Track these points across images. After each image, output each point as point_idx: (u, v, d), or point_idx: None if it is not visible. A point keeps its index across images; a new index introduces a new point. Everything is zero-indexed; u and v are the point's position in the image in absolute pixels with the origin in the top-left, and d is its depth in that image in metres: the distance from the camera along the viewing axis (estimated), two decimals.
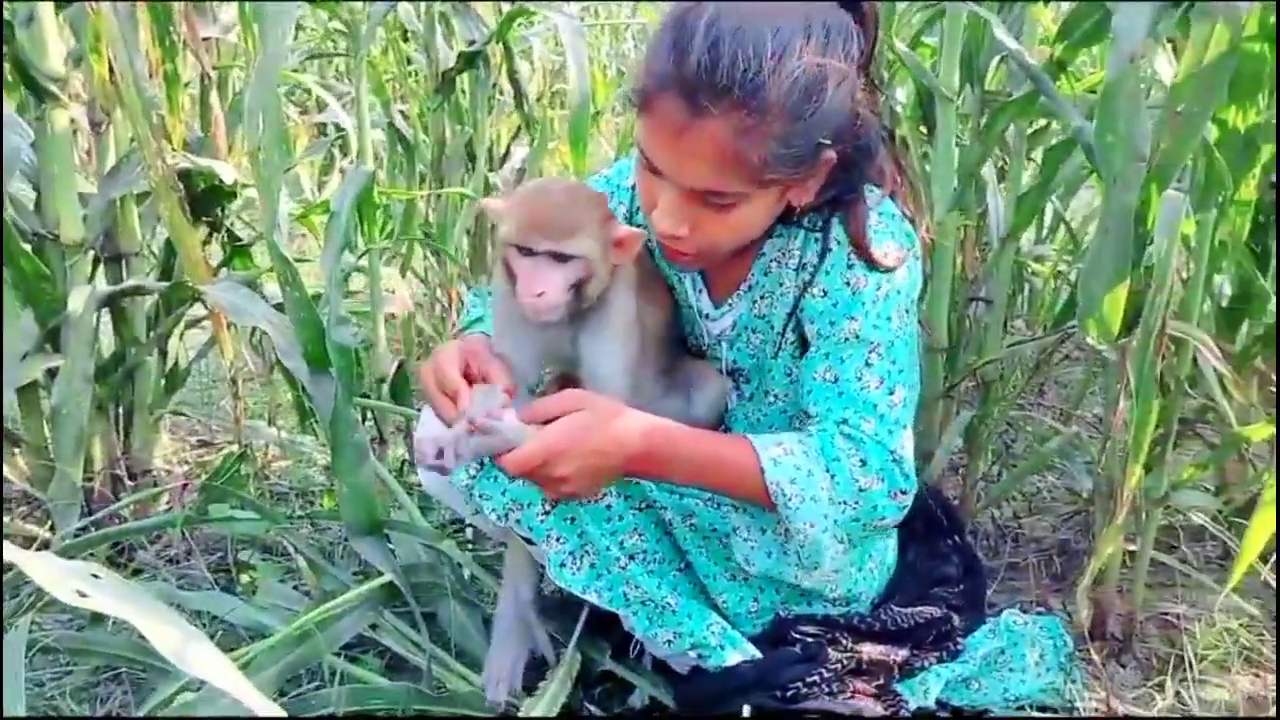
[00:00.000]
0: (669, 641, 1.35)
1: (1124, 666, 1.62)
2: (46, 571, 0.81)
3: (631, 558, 1.36)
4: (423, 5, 2.75)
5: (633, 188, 1.41)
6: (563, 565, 1.34)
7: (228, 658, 0.80)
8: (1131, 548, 1.66)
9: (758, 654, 1.35)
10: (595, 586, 1.35)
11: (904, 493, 1.28)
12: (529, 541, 1.36)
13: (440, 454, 1.15)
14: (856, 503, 1.26)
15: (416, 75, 3.11)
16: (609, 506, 1.35)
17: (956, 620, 1.46)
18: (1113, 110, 1.27)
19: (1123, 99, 1.27)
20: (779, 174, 1.19)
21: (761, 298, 1.39)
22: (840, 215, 1.30)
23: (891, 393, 1.29)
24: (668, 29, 1.18)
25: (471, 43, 2.83)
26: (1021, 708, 1.46)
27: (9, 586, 1.53)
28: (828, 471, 1.26)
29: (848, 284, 1.30)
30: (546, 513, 1.33)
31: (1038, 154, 2.20)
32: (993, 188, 2.15)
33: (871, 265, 1.29)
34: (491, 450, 1.18)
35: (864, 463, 1.26)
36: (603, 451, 1.21)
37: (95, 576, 0.82)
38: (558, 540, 1.34)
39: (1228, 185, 1.45)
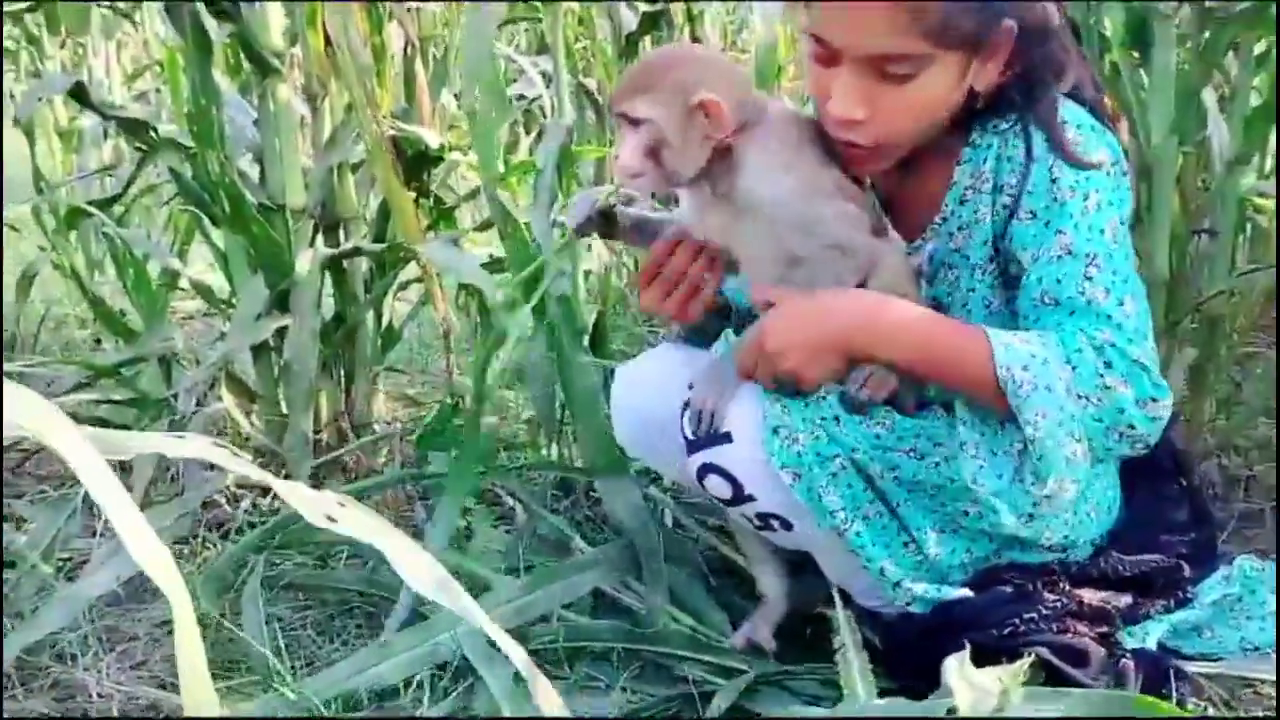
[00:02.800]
0: (864, 561, 1.30)
1: None
2: (300, 497, 0.87)
3: (844, 467, 1.27)
4: None
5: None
6: (775, 431, 1.26)
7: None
8: None
9: (967, 593, 1.30)
10: (796, 466, 1.25)
11: (1155, 400, 1.18)
12: (726, 439, 1.30)
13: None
14: (1100, 399, 1.18)
15: (600, 41, 3.16)
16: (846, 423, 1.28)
17: (1186, 569, 1.38)
18: None
19: None
20: (959, 33, 1.16)
21: (960, 229, 1.33)
22: (1033, 117, 1.25)
23: (1122, 303, 1.21)
24: None
25: (654, 2, 2.86)
26: (1265, 655, 1.37)
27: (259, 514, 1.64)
28: (1068, 362, 1.18)
29: (1054, 199, 1.23)
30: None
31: (1261, 83, 2.04)
32: (1214, 114, 2.01)
33: (1076, 164, 1.22)
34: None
35: (1109, 364, 1.18)
36: (824, 329, 1.21)
37: (341, 505, 0.88)
38: (782, 410, 1.26)
39: None
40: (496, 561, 1.62)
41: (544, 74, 3.06)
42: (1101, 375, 1.17)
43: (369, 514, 0.94)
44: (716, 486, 1.33)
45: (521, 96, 2.94)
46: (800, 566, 1.47)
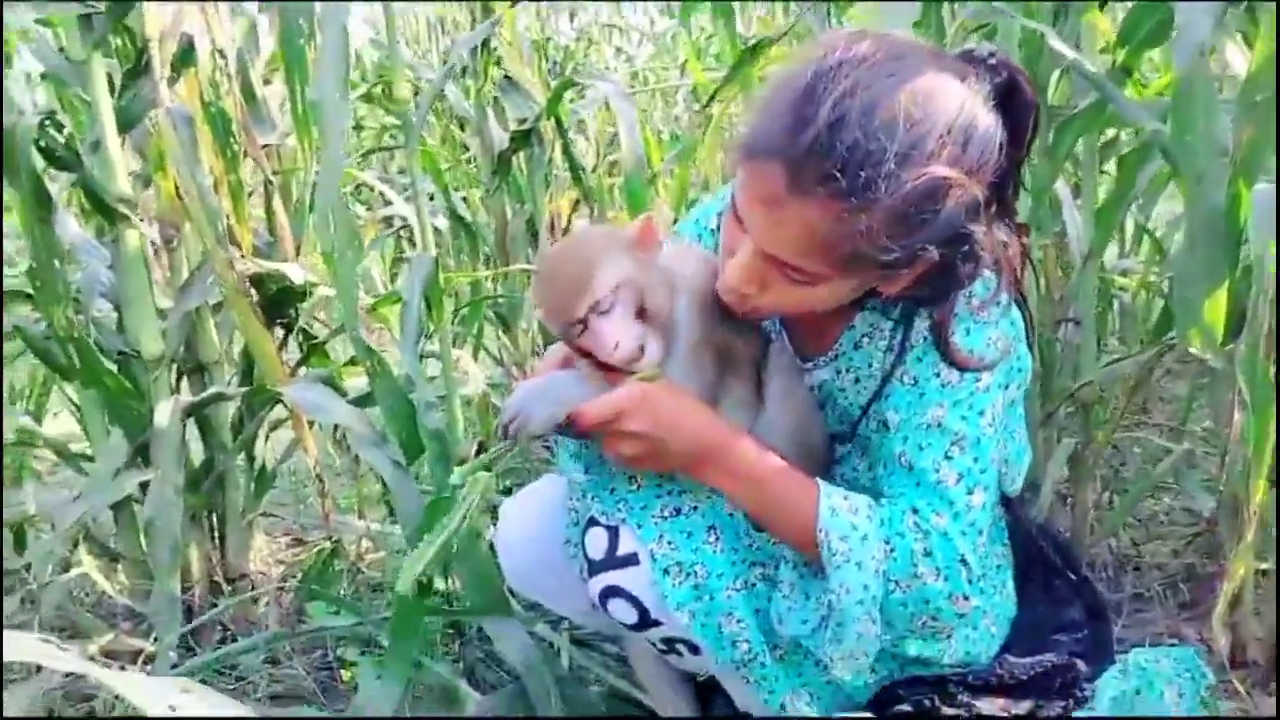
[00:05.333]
0: (763, 696, 1.27)
1: (1271, 695, 1.51)
2: (137, 690, 0.80)
3: (740, 589, 1.24)
4: (473, 89, 2.81)
5: (716, 228, 1.36)
6: (666, 572, 1.23)
7: None
8: (1265, 566, 1.55)
9: (868, 717, 1.27)
10: (691, 606, 1.22)
11: (966, 599, 1.17)
12: (631, 561, 1.25)
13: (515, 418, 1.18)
14: (908, 586, 1.16)
15: (473, 160, 3.17)
16: (729, 548, 1.26)
17: (1081, 666, 1.37)
18: (1188, 107, 1.21)
19: (1197, 95, 1.21)
20: (867, 269, 1.12)
21: (847, 370, 1.31)
22: (929, 310, 1.21)
23: (970, 493, 1.19)
24: (795, 89, 1.09)
25: (523, 121, 2.88)
26: None
27: None
28: (887, 543, 1.16)
29: (938, 375, 1.21)
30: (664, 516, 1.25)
31: (1111, 167, 2.13)
32: (1068, 205, 2.08)
33: (955, 365, 1.20)
34: (568, 403, 1.17)
35: (928, 553, 1.16)
36: (674, 425, 1.17)
37: (186, 691, 0.81)
38: (668, 544, 1.23)
39: None
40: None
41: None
42: (916, 565, 1.16)
43: (218, 698, 0.87)
44: (621, 611, 1.27)
45: (390, 220, 2.92)
46: (707, 695, 1.43)
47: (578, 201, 3.28)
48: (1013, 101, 1.14)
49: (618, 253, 1.19)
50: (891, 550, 1.16)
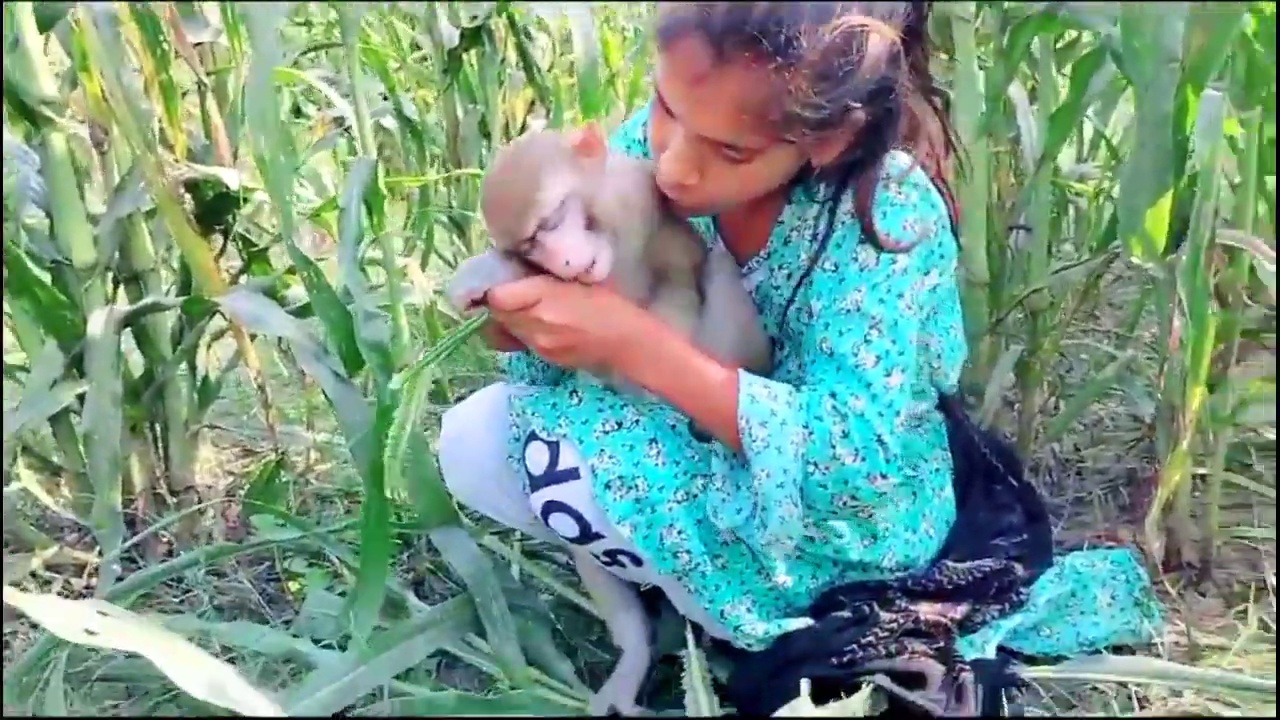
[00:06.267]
0: (704, 605, 1.29)
1: (1204, 595, 1.55)
2: (52, 614, 0.79)
3: (681, 500, 1.26)
4: None
5: (644, 139, 1.35)
6: (607, 486, 1.23)
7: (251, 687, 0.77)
8: (1202, 471, 1.58)
9: (807, 623, 1.29)
10: (632, 519, 1.23)
11: (884, 476, 1.18)
12: (571, 476, 1.26)
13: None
14: (827, 468, 1.17)
15: (424, 59, 3.08)
16: (671, 460, 1.26)
17: (1019, 570, 1.39)
18: (1138, 12, 1.18)
19: None
20: (800, 133, 1.12)
21: (780, 267, 1.32)
22: (852, 187, 1.22)
23: (888, 374, 1.20)
24: None
25: (474, 18, 2.80)
26: (1098, 651, 1.40)
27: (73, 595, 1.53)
28: (805, 427, 1.17)
29: (856, 259, 1.21)
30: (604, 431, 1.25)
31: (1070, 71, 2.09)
32: (1024, 109, 2.05)
33: (876, 246, 1.20)
34: (490, 282, 1.16)
35: (845, 435, 1.17)
36: (594, 317, 1.17)
37: (102, 614, 0.80)
38: (609, 459, 1.24)
39: (1271, 79, 1.34)
40: (331, 630, 1.53)
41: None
42: (834, 447, 1.17)
43: (134, 620, 0.86)
44: (562, 525, 1.28)
45: (341, 120, 2.83)
46: (654, 604, 1.44)
47: (533, 102, 3.21)
48: None
49: (561, 164, 1.16)
50: (810, 434, 1.17)
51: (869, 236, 1.20)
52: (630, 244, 1.22)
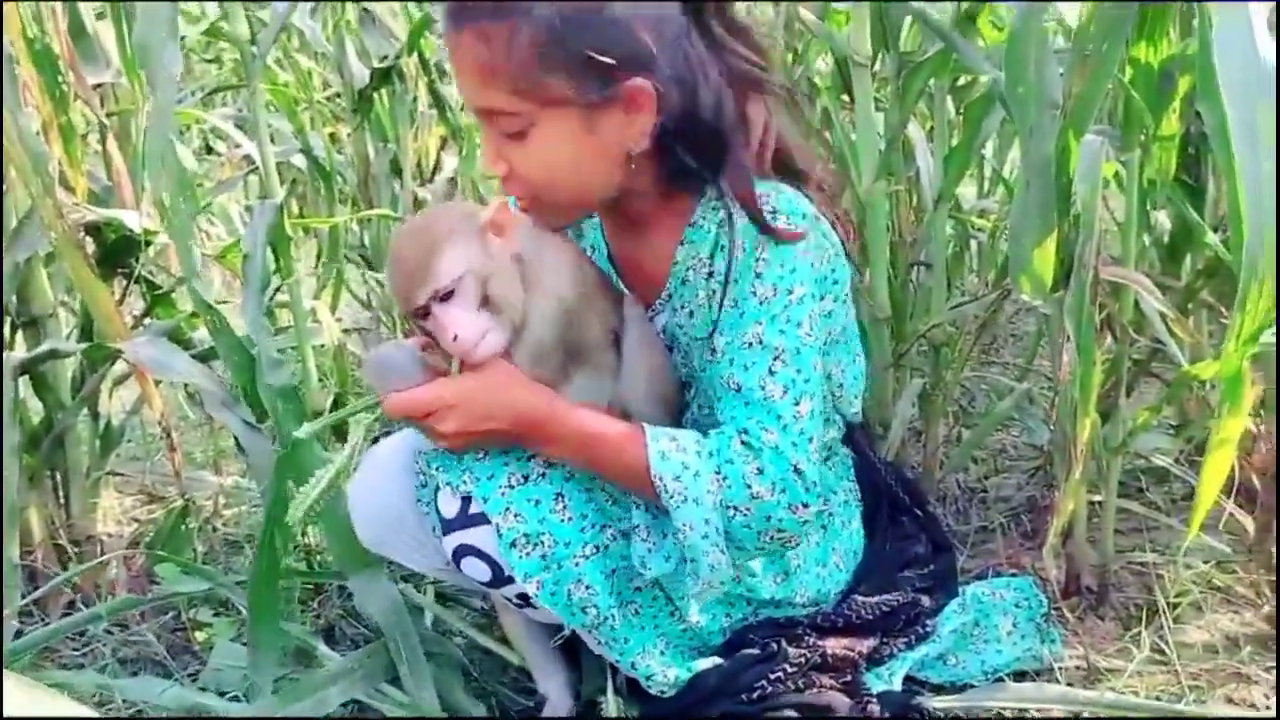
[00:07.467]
0: (615, 657, 1.30)
1: (1102, 619, 1.60)
2: None
3: (589, 555, 1.25)
4: (330, 25, 2.70)
5: None
6: (513, 545, 1.23)
7: None
8: (1097, 498, 1.63)
9: (717, 662, 1.31)
10: (539, 577, 1.23)
11: (805, 505, 1.21)
12: (484, 520, 1.25)
13: None
14: (747, 509, 1.19)
15: (336, 96, 3.06)
16: (579, 515, 1.26)
17: (925, 602, 1.43)
18: (1019, 59, 1.24)
19: (1029, 47, 1.24)
20: (550, 93, 1.16)
21: (682, 307, 1.33)
22: (727, 187, 1.24)
23: (797, 403, 1.22)
24: None
25: (384, 58, 2.79)
26: (1001, 678, 1.43)
27: None
28: (718, 473, 1.19)
29: (754, 293, 1.23)
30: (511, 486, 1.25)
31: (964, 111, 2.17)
32: (923, 149, 2.12)
33: (774, 237, 1.22)
34: (386, 388, 1.18)
35: (760, 471, 1.19)
36: (487, 415, 1.19)
37: None
38: (514, 516, 1.23)
39: (1148, 122, 1.41)
40: (238, 682, 1.50)
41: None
42: (750, 486, 1.19)
43: (13, 682, 0.83)
44: (474, 569, 1.27)
45: (250, 158, 2.80)
46: (575, 640, 1.44)
47: (445, 139, 3.21)
48: None
49: (465, 238, 1.17)
50: (724, 479, 1.19)
51: (761, 226, 1.22)
52: (535, 335, 1.23)
